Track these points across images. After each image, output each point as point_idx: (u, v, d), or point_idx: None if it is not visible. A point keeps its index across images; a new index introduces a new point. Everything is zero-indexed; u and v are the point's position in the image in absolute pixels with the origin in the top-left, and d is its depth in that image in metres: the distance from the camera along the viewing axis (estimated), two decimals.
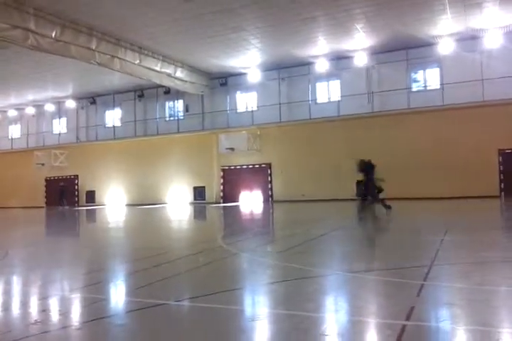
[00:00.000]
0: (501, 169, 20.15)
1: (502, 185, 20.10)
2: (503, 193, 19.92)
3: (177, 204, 25.97)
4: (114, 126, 29.55)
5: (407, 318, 3.84)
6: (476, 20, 18.76)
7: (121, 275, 6.76)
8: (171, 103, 28.40)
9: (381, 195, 14.67)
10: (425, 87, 22.77)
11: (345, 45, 21.37)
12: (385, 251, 7.94)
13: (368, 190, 13.77)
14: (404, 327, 3.63)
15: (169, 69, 22.26)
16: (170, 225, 15.32)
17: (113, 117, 29.93)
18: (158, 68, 21.58)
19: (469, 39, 20.50)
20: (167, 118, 28.28)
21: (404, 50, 21.81)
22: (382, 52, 22.09)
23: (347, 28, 19.02)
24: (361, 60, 22.38)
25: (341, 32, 19.60)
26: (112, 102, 29.28)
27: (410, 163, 21.16)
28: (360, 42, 21.07)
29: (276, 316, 4.24)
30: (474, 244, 7.85)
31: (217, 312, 4.36)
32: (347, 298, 4.86)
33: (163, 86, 24.90)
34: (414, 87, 22.94)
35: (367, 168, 13.76)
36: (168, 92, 26.72)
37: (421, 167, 21.01)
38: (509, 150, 19.96)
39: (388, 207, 13.84)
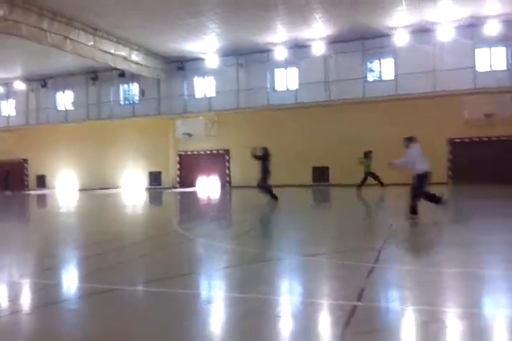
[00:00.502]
0: (450, 157, 21.03)
1: (450, 172, 21.00)
2: (450, 180, 20.82)
3: (132, 190, 25.53)
4: (66, 109, 28.52)
5: (358, 299, 3.98)
6: (430, 13, 19.25)
7: (73, 260, 6.61)
8: (126, 86, 27.66)
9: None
10: (380, 77, 23.28)
11: (304, 33, 21.44)
12: (337, 234, 8.16)
13: (262, 178, 13.80)
14: (354, 307, 3.77)
15: (124, 52, 21.60)
16: (124, 210, 15.06)
17: (65, 100, 28.84)
18: (112, 51, 20.88)
19: (423, 31, 21.02)
20: (122, 102, 27.56)
21: (360, 40, 22.15)
22: (339, 42, 22.34)
23: (305, 17, 19.07)
24: (319, 49, 22.56)
25: (300, 20, 19.64)
26: (64, 84, 28.17)
27: (362, 150, 21.64)
28: (318, 32, 21.20)
29: (231, 299, 4.29)
30: (422, 229, 8.20)
31: (172, 297, 4.36)
32: (300, 281, 4.98)
33: (117, 69, 24.19)
34: (370, 77, 23.40)
35: (263, 156, 13.87)
36: (123, 75, 25.97)
37: (376, 155, 21.57)
38: (458, 140, 20.83)
39: (275, 198, 13.51)
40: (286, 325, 3.54)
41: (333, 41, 22.23)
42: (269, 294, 4.32)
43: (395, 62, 22.35)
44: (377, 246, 6.42)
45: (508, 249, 6.16)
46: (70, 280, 5.38)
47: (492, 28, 20.02)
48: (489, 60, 21.26)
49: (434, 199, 9.19)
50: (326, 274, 5.23)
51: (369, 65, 23.36)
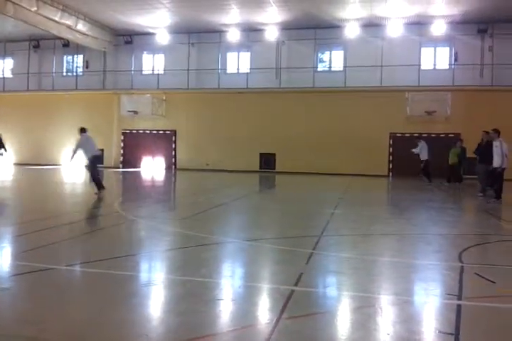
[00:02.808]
0: (391, 151, 21.84)
1: (390, 165, 21.84)
2: (391, 173, 21.66)
3: (72, 167, 24.56)
4: (3, 77, 26.76)
5: (296, 284, 4.10)
6: (380, 8, 19.66)
7: (7, 237, 6.31)
8: (70, 57, 26.30)
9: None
10: (330, 67, 23.61)
11: (258, 17, 21.24)
12: (280, 220, 8.32)
13: None
14: (292, 292, 3.88)
15: (70, 21, 20.44)
16: (63, 188, 14.51)
17: (3, 67, 27.03)
18: (57, 18, 19.69)
19: (373, 26, 21.45)
20: (64, 74, 26.22)
21: (313, 29, 22.28)
22: (292, 29, 22.33)
23: (260, 0, 18.93)
24: (272, 34, 22.46)
25: (254, 3, 19.44)
26: (3, 51, 26.35)
27: (312, 140, 22.06)
28: (272, 16, 21.07)
29: (171, 281, 4.28)
30: (361, 218, 8.52)
31: (110, 278, 4.28)
32: (241, 265, 5.05)
33: (62, 38, 22.92)
34: (320, 67, 23.67)
35: None
36: (68, 45, 24.66)
37: (321, 144, 22.02)
38: (399, 134, 21.64)
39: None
40: (224, 307, 3.58)
41: (287, 27, 22.20)
42: (210, 277, 4.35)
43: (345, 54, 22.73)
44: (318, 233, 6.61)
45: (438, 241, 6.54)
46: (2, 258, 5.14)
47: (437, 28, 20.80)
48: (433, 59, 22.12)
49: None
50: (267, 259, 5.33)
51: (320, 55, 23.61)
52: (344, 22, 21.25)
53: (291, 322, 3.23)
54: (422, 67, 21.79)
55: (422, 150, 16.98)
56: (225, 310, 3.52)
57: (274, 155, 22.92)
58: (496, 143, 11.17)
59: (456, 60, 21.37)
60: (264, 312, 3.48)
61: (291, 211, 9.50)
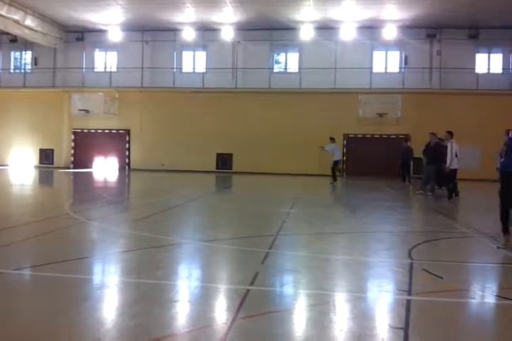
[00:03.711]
0: (344, 151, 22.30)
1: (344, 166, 22.25)
2: (344, 173, 22.11)
3: (20, 168, 23.56)
4: None
5: (251, 283, 4.11)
6: (334, 11, 20.09)
7: None
8: (18, 53, 25.24)
9: None
10: (285, 69, 23.88)
11: (213, 16, 21.17)
12: (236, 221, 8.33)
13: None
14: (247, 291, 3.89)
15: (17, 16, 19.61)
16: (10, 190, 13.89)
17: None
18: (3, 12, 18.83)
19: (327, 28, 21.89)
20: (12, 70, 25.14)
21: (268, 31, 22.46)
22: (248, 29, 22.42)
23: None
24: (228, 34, 22.43)
25: (209, 3, 19.37)
26: None
27: (267, 140, 22.21)
28: (227, 16, 21.07)
29: (125, 284, 4.19)
30: (316, 217, 8.66)
31: (61, 281, 4.15)
32: (197, 266, 5.02)
33: (9, 33, 21.96)
34: (276, 68, 23.89)
35: None
36: (15, 41, 23.68)
37: (276, 144, 22.22)
38: (352, 135, 22.16)
39: None
40: (180, 309, 3.54)
41: (243, 28, 22.28)
42: (165, 279, 4.30)
43: (300, 56, 23.06)
44: (274, 232, 6.66)
45: (389, 238, 6.75)
46: None
47: (389, 32, 21.49)
48: (385, 62, 22.82)
49: None
50: (223, 259, 5.33)
51: (275, 56, 23.82)
52: (299, 24, 21.56)
53: (246, 321, 3.24)
54: (374, 70, 22.45)
55: (335, 151, 17.30)
56: (181, 312, 3.49)
57: (230, 155, 22.93)
58: (448, 145, 11.65)
59: (406, 63, 22.15)
60: (220, 313, 3.48)
61: (248, 211, 9.54)
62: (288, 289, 4.17)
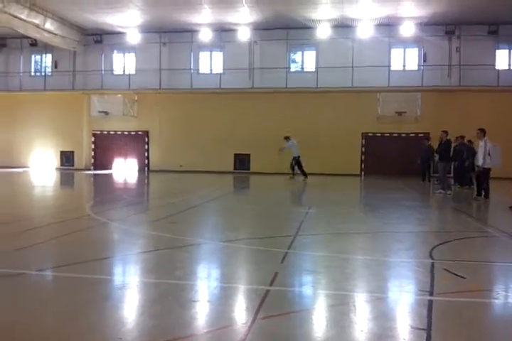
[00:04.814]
0: (363, 151, 22.16)
1: (362, 165, 22.14)
2: (363, 172, 21.96)
3: (41, 169, 23.98)
4: None
5: (271, 284, 4.11)
6: (351, 9, 19.91)
7: None
8: (38, 57, 25.69)
9: None
10: (302, 68, 23.77)
11: (230, 17, 21.21)
12: (254, 221, 8.33)
13: None
14: (267, 291, 3.89)
15: (37, 20, 19.95)
16: (33, 191, 14.15)
17: None
18: (24, 16, 19.19)
19: (344, 27, 21.73)
20: (32, 74, 25.60)
21: (285, 30, 22.40)
22: (265, 29, 22.39)
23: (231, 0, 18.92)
24: (245, 34, 22.46)
25: (226, 3, 19.41)
26: None
27: (282, 140, 22.12)
28: (244, 17, 21.09)
29: (145, 284, 4.23)
30: (334, 217, 8.61)
31: (83, 282, 4.21)
32: (216, 266, 5.03)
33: (29, 37, 22.37)
34: (293, 68, 23.81)
35: None
36: (35, 45, 24.10)
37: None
38: (371, 134, 21.97)
39: None
40: (200, 309, 3.55)
41: (259, 28, 22.28)
42: (185, 279, 4.32)
43: (317, 55, 22.94)
44: (292, 232, 6.65)
45: (409, 238, 6.67)
46: None
47: (407, 29, 21.23)
48: (403, 60, 22.55)
49: None
50: (242, 259, 5.33)
51: (292, 56, 23.75)
52: (316, 23, 21.45)
53: (266, 322, 3.24)
54: (392, 68, 22.20)
55: (292, 148, 18.12)
56: (201, 312, 3.50)
57: (248, 155, 22.93)
58: (480, 143, 11.40)
59: (424, 60, 21.86)
60: (239, 313, 3.48)
61: (266, 211, 9.53)
62: (307, 289, 4.15)
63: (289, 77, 22.58)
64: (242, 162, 22.91)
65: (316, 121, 22.16)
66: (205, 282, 4.32)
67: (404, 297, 3.91)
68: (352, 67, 21.76)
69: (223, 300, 3.77)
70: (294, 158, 18.07)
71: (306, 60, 23.60)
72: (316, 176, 20.33)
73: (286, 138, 18.35)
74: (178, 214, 8.65)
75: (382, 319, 3.32)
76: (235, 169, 22.91)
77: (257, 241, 6.14)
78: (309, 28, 21.75)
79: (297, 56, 23.89)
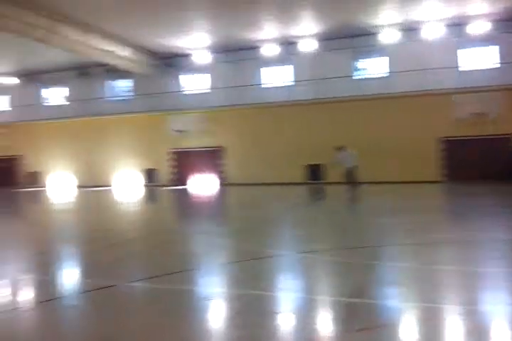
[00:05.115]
0: (443, 156, 21.08)
1: (445, 170, 21.06)
2: (446, 178, 20.83)
3: (127, 187, 25.42)
4: (58, 105, 28.18)
5: (356, 296, 4.03)
6: (416, 12, 19.27)
7: (72, 256, 6.60)
8: (117, 82, 27.45)
9: None
10: (369, 75, 23.32)
11: (293, 30, 21.40)
12: (333, 232, 8.21)
13: None
14: (352, 304, 3.82)
15: (113, 47, 21.34)
16: (121, 208, 15.00)
17: (57, 95, 28.51)
18: (101, 45, 20.60)
19: (410, 30, 21.02)
20: (113, 98, 27.37)
21: (349, 38, 22.21)
22: (328, 39, 22.32)
23: (294, 13, 19.02)
24: (308, 46, 22.66)
25: (289, 17, 19.59)
26: (57, 80, 27.83)
27: (357, 149, 21.72)
28: (306, 29, 21.19)
29: (229, 295, 4.33)
30: (420, 226, 8.27)
31: (170, 293, 4.39)
32: (299, 278, 5.02)
33: (107, 64, 23.99)
34: (359, 75, 23.45)
35: None
36: (113, 71, 25.79)
37: (367, 152, 21.63)
38: (449, 138, 20.91)
39: None
40: (284, 321, 3.57)
41: (323, 39, 22.29)
42: (267, 290, 4.36)
43: (384, 61, 22.44)
44: (374, 243, 6.48)
45: (499, 247, 6.26)
46: (69, 277, 5.38)
47: (478, 28, 20.19)
48: (476, 59, 21.34)
49: None
50: (324, 271, 5.28)
51: (358, 63, 23.43)
52: (380, 28, 21.06)
53: (354, 335, 3.18)
54: (466, 68, 21.12)
55: (347, 159, 15.99)
56: (286, 323, 3.52)
57: (320, 166, 22.78)
58: None
59: (502, 58, 20.60)
60: (325, 325, 3.45)
61: (345, 222, 9.38)
62: (395, 302, 4.02)
63: (355, 85, 22.27)
64: (314, 172, 22.78)
65: (389, 127, 21.58)
66: (288, 293, 4.33)
67: (498, 309, 3.68)
68: (423, 70, 21.00)
69: (308, 312, 3.76)
70: (348, 168, 16.20)
71: (372, 67, 23.17)
72: (393, 184, 19.72)
73: (340, 149, 16.73)
74: (256, 226, 8.76)
75: (478, 333, 3.14)
76: (308, 180, 22.82)
77: (337, 253, 6.06)
78: (374, 34, 21.39)
79: (363, 63, 23.53)
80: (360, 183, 17.12)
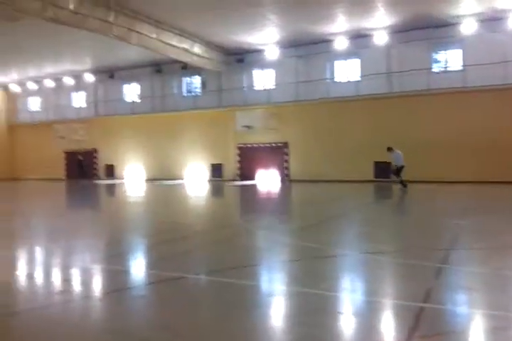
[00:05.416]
0: None
1: None
2: None
3: (194, 181, 26.18)
4: (132, 101, 29.57)
5: (425, 301, 3.87)
6: (500, 0, 18.08)
7: (141, 247, 6.91)
8: (188, 79, 28.25)
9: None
10: (446, 67, 22.19)
11: (365, 23, 20.78)
12: (400, 232, 7.94)
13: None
14: (421, 309, 3.67)
15: (186, 44, 22.02)
16: (188, 201, 15.47)
17: (131, 92, 29.92)
18: (175, 43, 21.34)
19: (493, 20, 19.70)
20: (184, 94, 28.20)
21: (425, 30, 21.13)
22: (403, 31, 21.45)
23: (367, 5, 18.44)
24: (381, 38, 21.86)
25: (361, 9, 19.05)
26: (130, 77, 29.19)
27: (431, 146, 20.82)
28: (380, 21, 20.48)
29: (292, 293, 4.32)
30: (494, 229, 7.80)
31: (234, 287, 4.46)
32: (363, 278, 4.91)
33: (180, 61, 24.72)
34: (435, 68, 22.35)
35: None
36: (186, 68, 26.54)
37: (441, 150, 20.68)
38: None
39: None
40: (348, 322, 3.51)
41: (396, 31, 21.44)
42: (331, 290, 4.30)
43: (463, 53, 21.21)
44: (445, 246, 6.19)
45: None
46: (138, 267, 5.63)
47: None
48: None
49: None
50: (390, 273, 5.12)
51: (434, 56, 22.35)
52: (460, 19, 19.91)
53: None
54: None
55: (397, 159, 17.54)
56: (350, 325, 3.46)
57: (389, 163, 22.04)
58: None
59: None
60: (392, 329, 3.35)
61: (413, 222, 9.04)
62: (466, 308, 3.82)
63: (431, 78, 21.26)
64: (382, 170, 22.04)
65: (464, 123, 20.41)
66: (352, 295, 4.25)
67: None
68: (505, 62, 19.64)
69: (373, 315, 3.66)
70: (396, 166, 17.55)
71: (450, 59, 22.01)
72: (470, 184, 18.66)
73: (390, 150, 17.71)
74: (320, 224, 8.68)
75: None
76: (375, 177, 22.17)
77: (405, 254, 5.85)
78: (453, 24, 20.26)
79: (440, 56, 22.42)
80: (404, 182, 17.15)
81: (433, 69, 21.94)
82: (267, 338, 3.21)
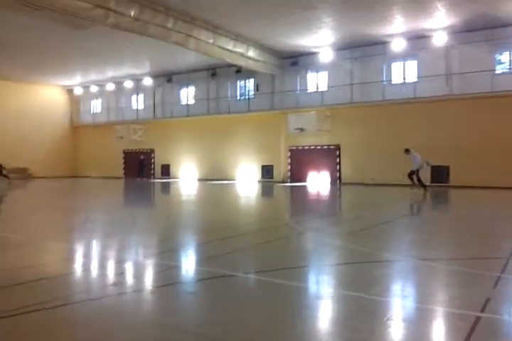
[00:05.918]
0: None
1: None
2: None
3: (245, 182, 26.42)
4: (187, 104, 30.31)
5: (482, 310, 3.69)
6: None
7: (193, 244, 7.07)
8: (242, 82, 28.59)
9: None
10: (511, 69, 21.12)
11: (424, 23, 20.16)
12: (457, 239, 7.62)
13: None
14: (478, 319, 3.51)
15: (241, 49, 22.31)
16: (239, 201, 15.63)
17: (187, 95, 30.69)
18: (230, 47, 21.68)
19: None
20: (238, 97, 28.57)
21: (488, 30, 20.23)
22: (463, 32, 20.62)
23: (426, 5, 17.89)
24: (440, 39, 21.11)
25: (419, 10, 18.49)
26: (187, 80, 29.96)
27: (493, 150, 19.87)
28: (439, 21, 19.80)
29: (341, 297, 4.26)
30: None
31: (283, 287, 4.46)
32: (415, 285, 4.76)
33: (235, 65, 25.08)
34: (499, 69, 21.34)
35: None
36: (240, 71, 26.91)
37: (505, 154, 19.68)
38: None
39: None
40: (398, 328, 3.41)
41: (457, 31, 20.66)
42: (382, 296, 4.21)
43: None
44: (505, 254, 5.88)
45: None
46: (189, 263, 5.76)
47: None
48: None
49: None
50: (444, 280, 4.94)
51: (498, 57, 21.31)
52: None
53: None
54: None
55: (415, 160, 17.21)
56: (401, 332, 3.36)
57: (447, 167, 21.24)
58: None
59: None
60: (443, 338, 3.22)
61: (470, 229, 8.65)
62: None
63: (494, 80, 20.29)
64: (439, 175, 21.25)
65: None
66: (404, 301, 4.13)
67: None
68: None
69: (425, 322, 3.55)
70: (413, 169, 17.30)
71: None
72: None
73: (407, 152, 17.50)
74: (372, 228, 8.50)
75: None
76: (431, 182, 21.37)
77: (461, 262, 5.62)
78: None
79: (504, 56, 21.36)
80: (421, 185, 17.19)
81: (496, 71, 20.95)
82: (315, 340, 3.19)
